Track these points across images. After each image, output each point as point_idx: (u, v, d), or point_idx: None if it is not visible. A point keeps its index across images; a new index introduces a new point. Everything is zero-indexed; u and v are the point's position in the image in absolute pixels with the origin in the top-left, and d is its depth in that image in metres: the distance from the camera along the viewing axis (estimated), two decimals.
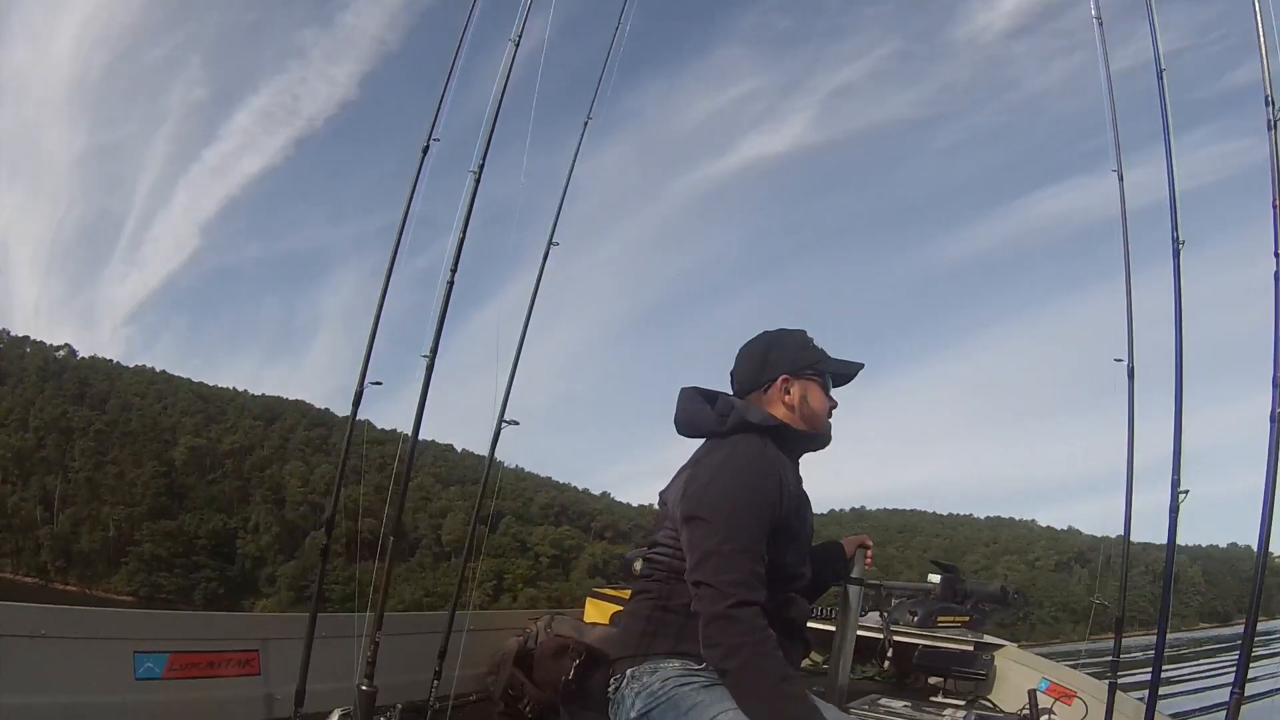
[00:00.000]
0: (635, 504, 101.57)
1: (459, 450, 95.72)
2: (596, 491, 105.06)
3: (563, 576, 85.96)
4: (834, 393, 2.66)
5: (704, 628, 2.21)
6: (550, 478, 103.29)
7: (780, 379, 2.57)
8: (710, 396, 2.59)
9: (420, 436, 3.61)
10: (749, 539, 2.28)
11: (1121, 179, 5.74)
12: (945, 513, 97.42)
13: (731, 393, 2.63)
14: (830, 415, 2.61)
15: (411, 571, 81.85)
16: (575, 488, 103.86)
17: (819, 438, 2.59)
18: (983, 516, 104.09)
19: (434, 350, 3.65)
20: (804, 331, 2.68)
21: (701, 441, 2.54)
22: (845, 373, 2.67)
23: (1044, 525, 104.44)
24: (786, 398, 2.56)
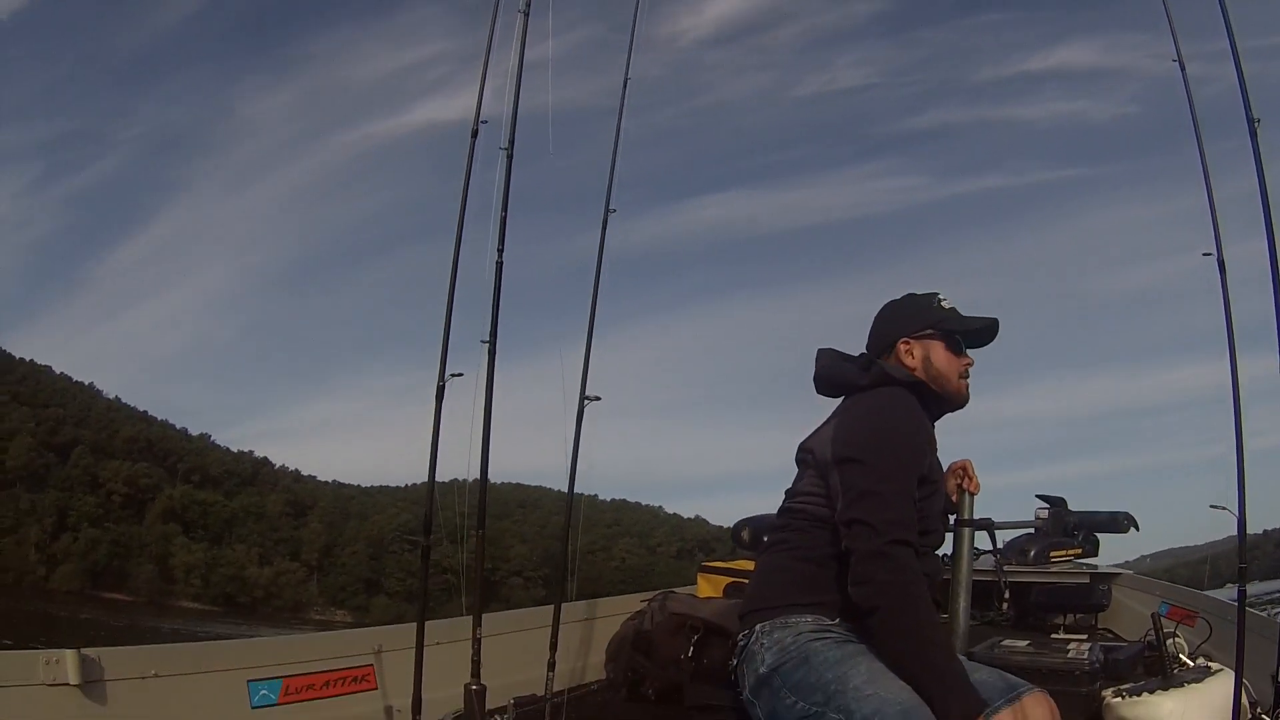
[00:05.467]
0: (235, 449, 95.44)
1: (57, 372, 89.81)
2: (195, 432, 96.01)
3: (135, 518, 77.47)
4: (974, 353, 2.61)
5: (857, 564, 2.17)
6: (147, 412, 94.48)
7: (900, 342, 2.55)
8: (847, 357, 2.61)
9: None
10: (905, 481, 2.25)
11: (1183, 67, 5.52)
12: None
13: None
14: (964, 375, 2.56)
15: None
16: (172, 425, 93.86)
17: (954, 398, 2.55)
18: (607, 498, 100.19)
19: (493, 334, 3.55)
20: (934, 294, 2.64)
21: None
22: (971, 328, 2.58)
23: (670, 512, 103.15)
24: (910, 360, 2.53)
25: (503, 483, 78.76)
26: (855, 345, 2.68)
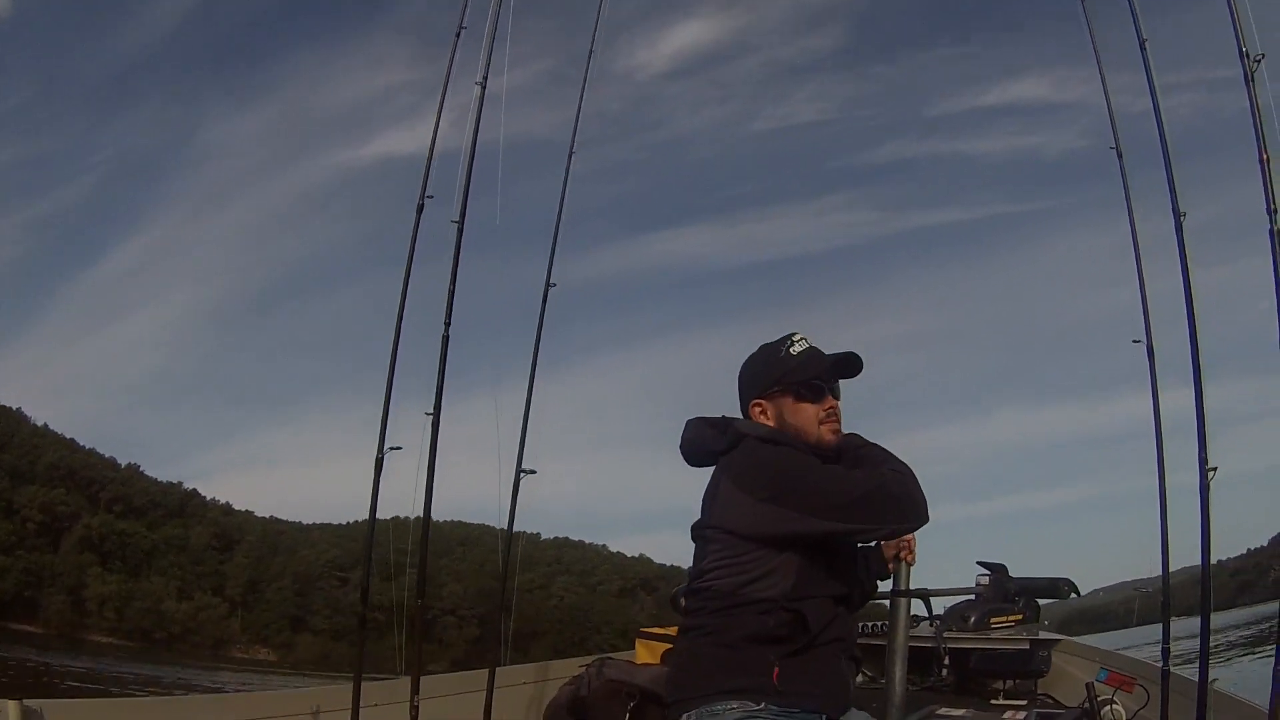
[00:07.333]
0: (165, 480, 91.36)
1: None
2: (124, 462, 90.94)
3: (50, 547, 74.14)
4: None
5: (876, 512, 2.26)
6: (74, 439, 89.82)
7: (752, 405, 2.50)
8: (711, 422, 2.52)
9: None
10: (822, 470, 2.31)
11: (1120, 155, 5.66)
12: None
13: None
14: (826, 419, 2.45)
15: None
16: (99, 453, 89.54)
17: (816, 449, 2.43)
18: (549, 536, 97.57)
19: (437, 407, 3.54)
20: (786, 339, 2.53)
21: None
22: (821, 371, 2.47)
23: (614, 550, 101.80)
24: (765, 420, 2.47)
25: (444, 520, 77.21)
26: None
